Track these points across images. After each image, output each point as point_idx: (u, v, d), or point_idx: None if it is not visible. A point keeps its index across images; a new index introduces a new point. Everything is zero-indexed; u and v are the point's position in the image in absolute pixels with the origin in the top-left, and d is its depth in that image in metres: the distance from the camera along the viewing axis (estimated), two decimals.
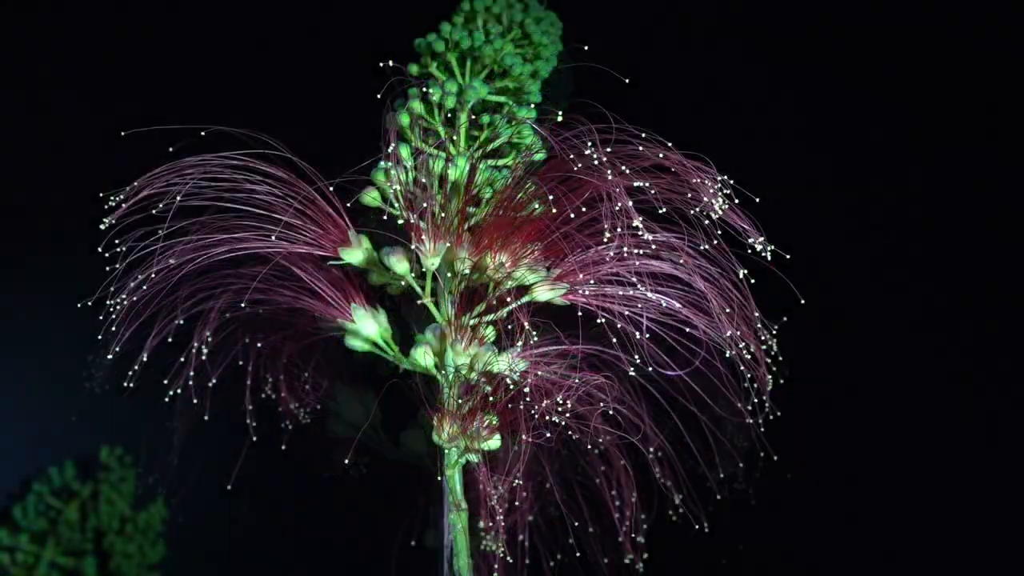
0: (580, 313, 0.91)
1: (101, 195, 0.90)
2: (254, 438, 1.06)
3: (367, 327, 0.96)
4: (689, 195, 0.86)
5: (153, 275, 0.90)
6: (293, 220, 0.91)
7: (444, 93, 0.93)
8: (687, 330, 0.90)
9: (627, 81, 0.91)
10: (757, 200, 0.88)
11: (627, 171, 0.85)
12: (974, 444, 1.58)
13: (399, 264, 0.93)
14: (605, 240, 0.86)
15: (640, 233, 0.85)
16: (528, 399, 0.89)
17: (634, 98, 0.92)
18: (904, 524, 1.59)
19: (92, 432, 1.57)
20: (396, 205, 0.91)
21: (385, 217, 0.91)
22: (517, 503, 1.05)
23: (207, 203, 0.90)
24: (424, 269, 0.92)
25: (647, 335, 0.89)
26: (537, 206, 0.90)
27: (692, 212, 0.87)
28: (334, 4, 1.63)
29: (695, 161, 0.86)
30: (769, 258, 0.88)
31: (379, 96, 0.92)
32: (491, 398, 0.90)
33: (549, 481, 1.02)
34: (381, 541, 1.18)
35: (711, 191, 0.86)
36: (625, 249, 0.87)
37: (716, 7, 1.64)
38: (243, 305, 0.98)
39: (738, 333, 0.90)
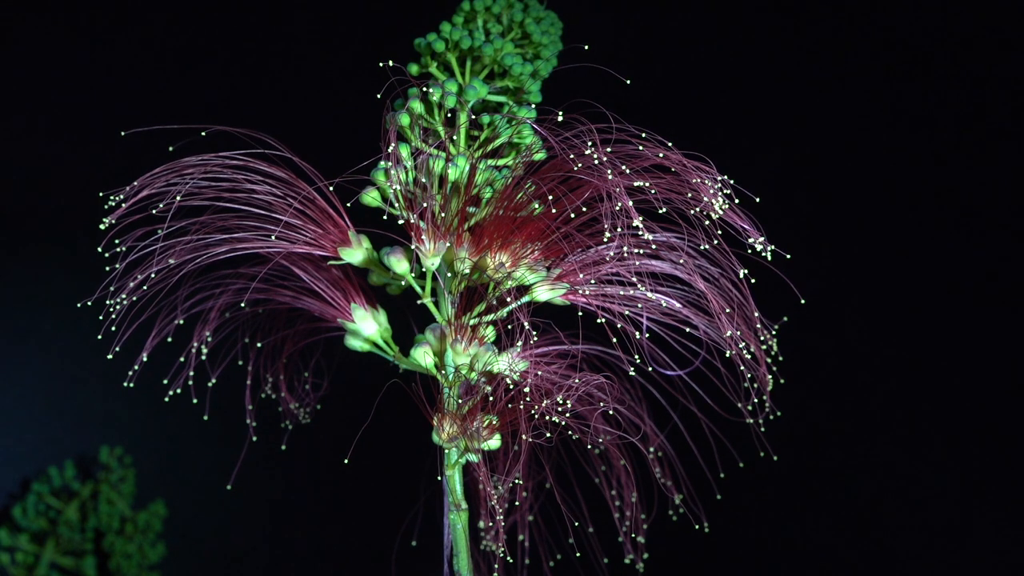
0: (580, 313, 0.91)
1: (101, 195, 0.90)
2: (254, 438, 1.06)
3: (367, 327, 0.96)
4: (689, 195, 0.86)
5: (153, 275, 0.90)
6: (293, 220, 0.91)
7: (444, 93, 0.93)
8: (687, 330, 0.90)
9: (628, 82, 0.91)
10: (757, 200, 0.88)
11: (627, 171, 0.85)
12: (974, 443, 1.58)
13: (399, 264, 0.93)
14: (605, 240, 0.86)
15: (640, 233, 0.85)
16: (528, 399, 0.89)
17: (634, 98, 0.92)
18: (904, 524, 1.59)
19: (92, 432, 1.57)
20: (396, 205, 0.91)
21: (385, 217, 0.91)
22: (517, 503, 1.05)
23: (207, 203, 0.90)
24: (424, 269, 0.92)
25: (647, 335, 0.89)
26: (537, 206, 0.90)
27: (692, 212, 0.87)
28: (334, 4, 1.63)
29: (695, 161, 0.86)
30: (769, 258, 0.88)
31: (379, 96, 0.92)
32: (491, 398, 0.90)
33: (549, 481, 1.02)
34: (381, 541, 1.18)
35: (711, 191, 0.86)
36: (625, 249, 0.87)
37: (717, 8, 1.64)
38: (243, 305, 0.98)
39: (738, 333, 0.90)
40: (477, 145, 0.95)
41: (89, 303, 0.91)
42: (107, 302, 0.90)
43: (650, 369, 0.90)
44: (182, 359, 0.98)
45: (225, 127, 0.90)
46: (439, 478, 0.92)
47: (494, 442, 0.93)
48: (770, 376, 0.92)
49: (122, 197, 0.89)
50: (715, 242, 0.87)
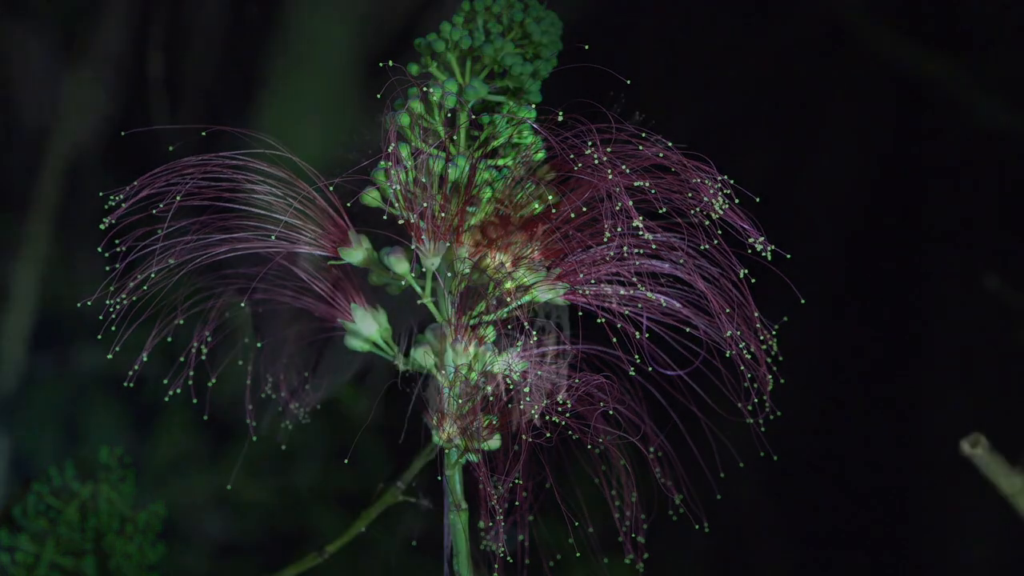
0: (580, 313, 0.91)
1: (101, 195, 0.90)
2: (254, 438, 1.06)
3: (367, 327, 0.96)
4: (689, 195, 0.86)
5: (153, 275, 0.90)
6: (293, 220, 0.91)
7: (444, 93, 0.93)
8: (687, 330, 0.90)
9: (628, 82, 0.91)
10: (757, 200, 0.88)
11: (627, 171, 0.85)
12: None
13: (399, 264, 0.93)
14: (605, 240, 0.86)
15: (640, 233, 0.85)
16: (528, 399, 0.89)
17: (634, 98, 0.92)
18: (903, 523, 1.59)
19: (92, 432, 1.57)
20: (396, 205, 0.91)
21: (385, 217, 0.91)
22: (517, 503, 1.05)
23: (207, 203, 0.90)
24: (424, 269, 0.92)
25: (647, 335, 0.89)
26: (537, 206, 0.91)
27: (692, 212, 0.87)
28: (334, 4, 1.63)
29: (695, 161, 0.87)
30: (769, 258, 0.88)
31: (379, 96, 0.92)
32: (491, 398, 0.90)
33: (549, 481, 1.02)
34: (381, 541, 1.18)
35: (711, 191, 0.86)
36: (625, 249, 0.87)
37: (717, 8, 1.64)
38: (243, 305, 0.98)
39: (738, 333, 0.90)
40: (477, 145, 0.95)
41: (89, 303, 0.91)
42: (107, 302, 0.90)
43: (650, 369, 0.90)
44: (182, 359, 0.98)
45: (225, 127, 0.90)
46: (439, 478, 0.92)
47: (494, 442, 0.93)
48: (770, 376, 0.92)
49: (122, 197, 0.89)
50: (715, 242, 0.87)
